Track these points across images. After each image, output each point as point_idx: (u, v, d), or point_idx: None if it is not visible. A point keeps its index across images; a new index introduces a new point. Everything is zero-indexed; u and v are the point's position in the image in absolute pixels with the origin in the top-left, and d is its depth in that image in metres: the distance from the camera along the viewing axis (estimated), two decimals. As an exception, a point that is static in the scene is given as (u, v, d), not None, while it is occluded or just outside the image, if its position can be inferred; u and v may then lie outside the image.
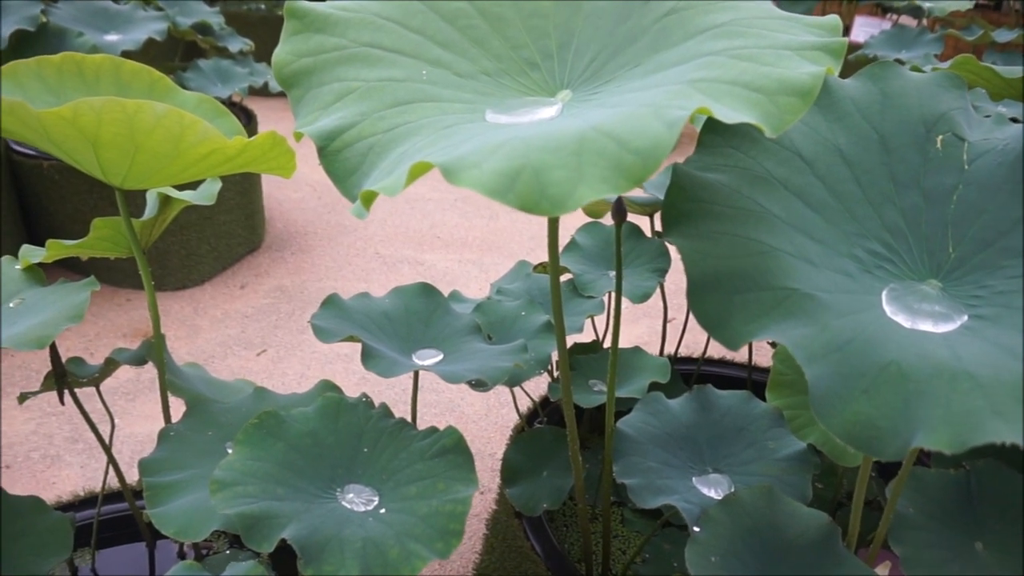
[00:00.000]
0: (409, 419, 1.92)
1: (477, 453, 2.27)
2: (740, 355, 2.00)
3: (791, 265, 0.78)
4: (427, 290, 1.22)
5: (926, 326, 0.76)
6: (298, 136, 0.78)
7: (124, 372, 2.51)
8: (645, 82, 0.77)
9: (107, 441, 1.28)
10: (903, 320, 0.77)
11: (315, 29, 0.85)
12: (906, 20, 4.73)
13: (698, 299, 0.75)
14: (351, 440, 0.96)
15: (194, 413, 1.14)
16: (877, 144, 0.90)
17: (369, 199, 0.67)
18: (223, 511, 0.82)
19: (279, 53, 0.84)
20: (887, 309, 0.78)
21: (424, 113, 0.78)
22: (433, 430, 0.97)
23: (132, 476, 2.06)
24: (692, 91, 0.68)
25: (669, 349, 2.18)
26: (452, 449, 0.94)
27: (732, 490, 1.12)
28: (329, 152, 0.76)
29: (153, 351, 1.20)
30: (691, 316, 1.85)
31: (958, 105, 0.92)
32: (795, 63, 0.70)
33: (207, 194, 1.21)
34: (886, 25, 4.55)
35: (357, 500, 0.89)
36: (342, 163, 0.76)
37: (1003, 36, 3.04)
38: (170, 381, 1.19)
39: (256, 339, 2.74)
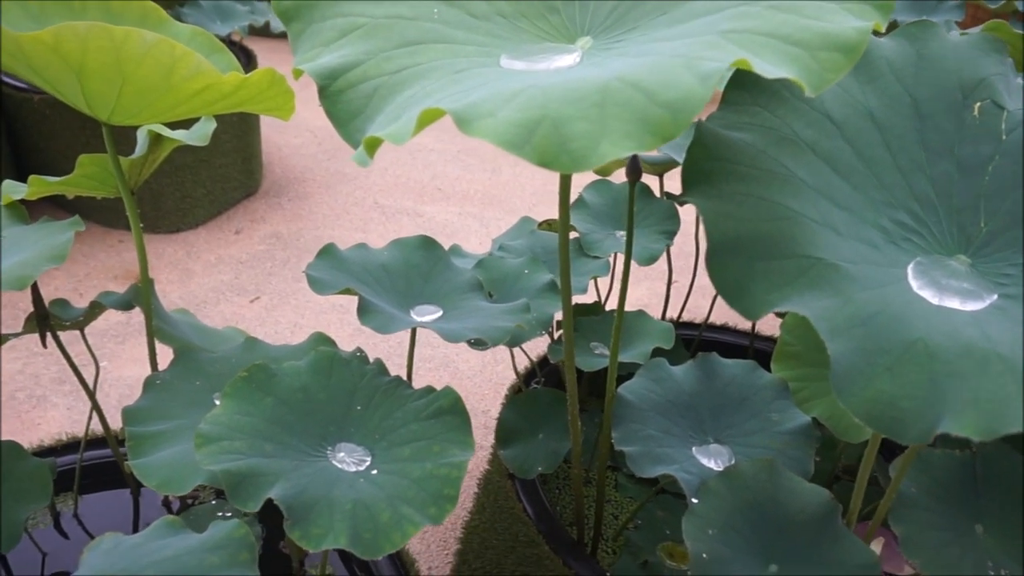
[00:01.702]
0: (404, 375, 1.89)
1: (471, 410, 2.24)
2: (743, 322, 1.97)
3: (816, 233, 0.74)
4: (428, 243, 1.17)
5: (953, 303, 0.72)
6: (297, 73, 0.73)
7: (114, 314, 2.47)
8: (672, 31, 0.71)
9: (91, 386, 1.24)
10: (929, 296, 0.73)
11: (318, -41, 0.79)
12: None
13: (718, 264, 0.70)
14: (344, 397, 0.93)
15: (181, 362, 1.10)
16: (910, 108, 0.85)
17: (373, 146, 0.62)
18: (208, 467, 0.78)
19: (279, -17, 0.78)
20: (913, 284, 0.74)
21: (434, 55, 0.72)
22: (429, 390, 0.94)
23: (118, 421, 2.04)
24: (725, 42, 0.63)
25: (671, 313, 2.15)
26: (449, 410, 0.90)
27: (732, 462, 1.10)
28: (331, 92, 0.71)
29: (140, 296, 1.16)
30: (695, 280, 1.81)
31: (998, 71, 0.87)
32: (838, 17, 0.65)
33: (201, 134, 1.15)
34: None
35: (348, 460, 0.86)
36: (344, 105, 0.70)
37: (1026, 6, 2.95)
38: (158, 328, 1.15)
39: (250, 286, 2.70)
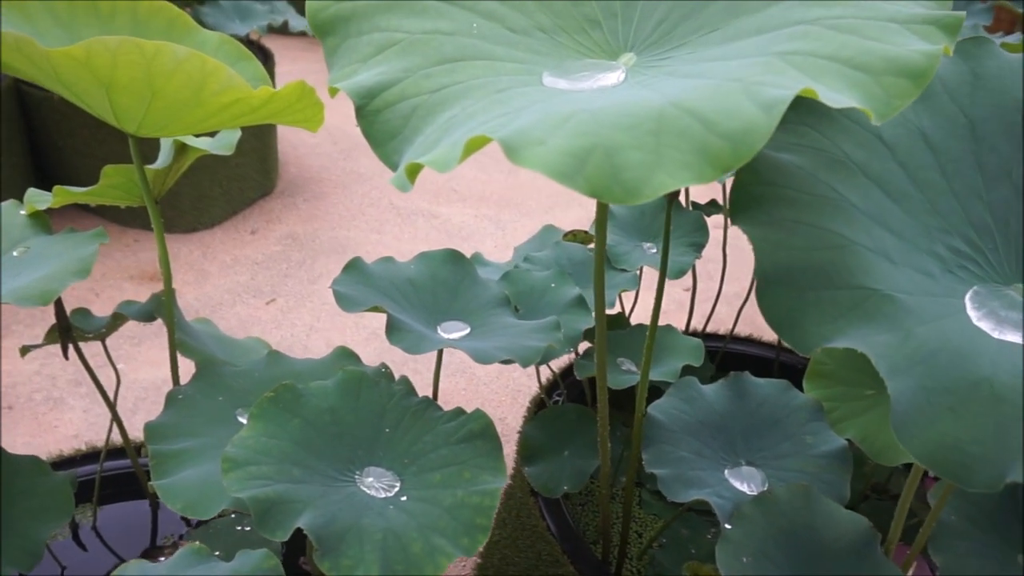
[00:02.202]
0: (425, 383, 1.87)
1: (488, 417, 2.22)
2: (768, 333, 1.93)
3: (870, 261, 0.71)
4: (454, 257, 1.15)
5: (1014, 337, 0.69)
6: (333, 91, 0.70)
7: (130, 315, 2.46)
8: (725, 50, 0.69)
9: (112, 397, 1.22)
10: (988, 328, 0.70)
11: (355, -30, 0.77)
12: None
13: (767, 294, 0.68)
14: (372, 419, 0.90)
15: (204, 376, 1.08)
16: (966, 130, 0.82)
17: (414, 172, 0.59)
18: (236, 494, 0.76)
19: (313, -5, 0.76)
20: (972, 315, 0.71)
21: (475, 73, 0.70)
22: (459, 412, 0.91)
23: (135, 424, 2.03)
24: (784, 65, 0.60)
25: (695, 322, 2.11)
26: (480, 435, 0.88)
27: (766, 486, 1.07)
28: (368, 112, 0.68)
29: (162, 308, 1.14)
30: (723, 290, 1.78)
31: (1057, 91, 0.83)
32: (903, 38, 0.62)
33: (226, 143, 1.13)
34: None
35: (377, 485, 0.84)
36: (382, 125, 0.68)
37: (1055, 11, 2.90)
38: (180, 340, 1.13)
39: (266, 287, 2.68)
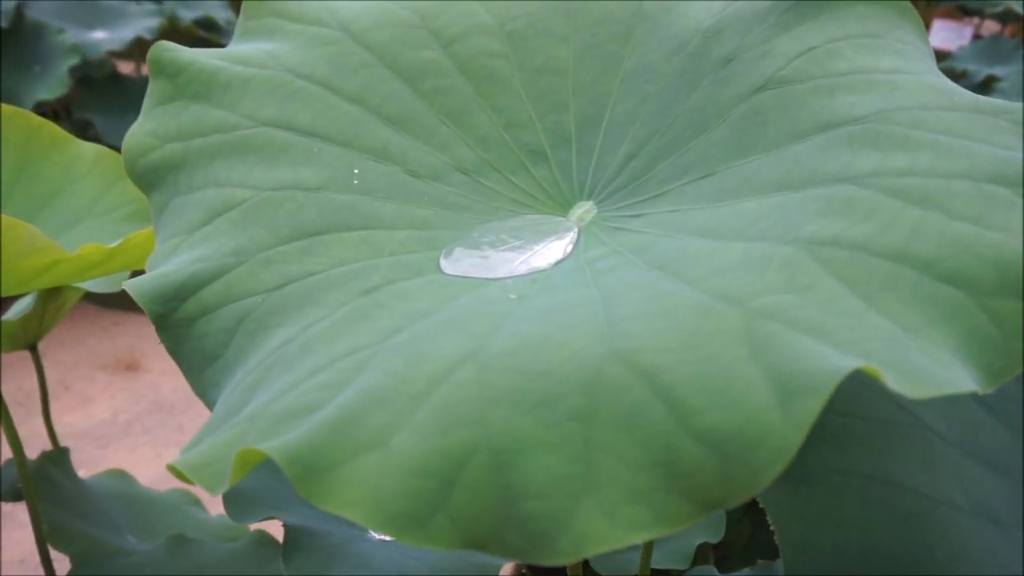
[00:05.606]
0: None
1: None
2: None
3: (968, 536, 0.45)
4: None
5: None
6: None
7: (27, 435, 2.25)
8: (720, 215, 0.44)
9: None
10: None
11: (192, 95, 0.53)
12: (989, 26, 4.29)
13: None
14: None
15: (81, 577, 0.85)
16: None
17: (181, 474, 0.35)
18: None
19: (133, 133, 0.52)
20: None
21: (342, 255, 0.46)
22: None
23: None
24: (819, 271, 0.35)
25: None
26: None
27: None
28: (173, 323, 0.44)
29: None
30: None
31: None
32: (1016, 214, 0.36)
33: (112, 280, 0.91)
34: (967, 31, 4.12)
35: None
36: (195, 343, 0.44)
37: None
38: (53, 528, 0.89)
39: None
